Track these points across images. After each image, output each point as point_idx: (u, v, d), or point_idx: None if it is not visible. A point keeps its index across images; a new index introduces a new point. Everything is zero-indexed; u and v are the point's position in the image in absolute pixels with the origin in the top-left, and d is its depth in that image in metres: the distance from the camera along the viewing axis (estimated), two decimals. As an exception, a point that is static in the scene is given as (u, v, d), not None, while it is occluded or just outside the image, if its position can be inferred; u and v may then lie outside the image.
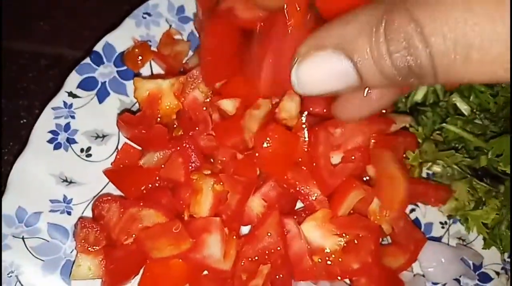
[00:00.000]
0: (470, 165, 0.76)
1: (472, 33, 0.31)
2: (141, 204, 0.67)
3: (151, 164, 0.71)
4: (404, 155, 0.75)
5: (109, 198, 0.70)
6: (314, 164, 0.68)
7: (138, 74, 0.76)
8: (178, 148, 0.69)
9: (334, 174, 0.69)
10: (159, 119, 0.71)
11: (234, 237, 0.67)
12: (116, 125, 0.74)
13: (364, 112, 0.47)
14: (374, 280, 0.68)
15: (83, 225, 0.67)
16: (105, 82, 0.75)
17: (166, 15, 0.79)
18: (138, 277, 0.68)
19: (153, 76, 0.77)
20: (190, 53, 0.80)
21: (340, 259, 0.67)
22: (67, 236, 0.69)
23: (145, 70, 0.77)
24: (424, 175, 0.80)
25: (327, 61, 0.37)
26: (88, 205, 0.71)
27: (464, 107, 0.77)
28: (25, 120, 0.81)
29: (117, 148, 0.74)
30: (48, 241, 0.68)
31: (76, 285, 0.67)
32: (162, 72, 0.78)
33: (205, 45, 0.66)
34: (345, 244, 0.68)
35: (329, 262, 0.67)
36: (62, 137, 0.72)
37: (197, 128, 0.69)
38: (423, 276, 0.74)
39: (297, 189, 0.70)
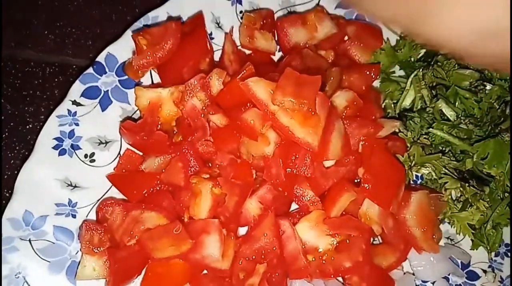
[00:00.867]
0: (457, 168, 0.79)
1: None
2: (143, 206, 0.70)
3: (152, 169, 0.73)
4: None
5: (112, 201, 0.72)
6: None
7: (138, 83, 0.79)
8: (178, 153, 0.71)
9: (326, 175, 0.72)
10: (159, 126, 0.74)
11: (232, 238, 0.70)
12: (119, 132, 0.76)
13: None
14: (365, 278, 0.71)
15: (87, 227, 0.70)
16: (107, 91, 0.77)
17: (166, 27, 0.82)
18: (140, 277, 0.70)
19: (153, 85, 0.79)
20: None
21: (333, 258, 0.70)
22: (72, 238, 0.71)
23: (145, 79, 0.80)
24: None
25: None
26: (92, 208, 0.73)
27: (449, 113, 0.80)
28: (31, 126, 0.83)
29: (119, 153, 0.76)
30: (54, 243, 0.70)
31: (81, 285, 0.70)
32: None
33: None
34: (337, 244, 0.70)
35: (322, 261, 0.70)
36: (66, 143, 0.74)
37: (195, 134, 0.72)
38: (413, 274, 0.77)
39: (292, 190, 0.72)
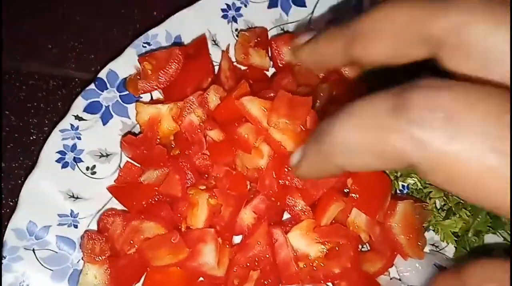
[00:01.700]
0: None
1: None
2: (143, 217, 0.73)
3: (151, 181, 0.76)
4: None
5: (113, 212, 0.75)
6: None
7: (139, 99, 0.82)
8: (176, 166, 0.75)
9: (316, 186, 0.75)
10: (158, 140, 0.77)
11: (227, 246, 0.73)
12: (120, 146, 0.79)
13: None
14: (353, 284, 0.74)
15: (89, 237, 0.73)
16: (108, 106, 0.81)
17: (164, 44, 0.85)
18: (140, 284, 0.73)
19: (153, 101, 0.82)
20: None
21: (322, 265, 0.73)
22: (74, 247, 0.74)
23: (145, 95, 0.83)
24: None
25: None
26: (93, 218, 0.76)
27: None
28: (34, 137, 0.86)
29: (119, 165, 0.79)
30: (56, 252, 0.73)
31: (83, 292, 0.72)
32: (161, 97, 0.84)
33: None
34: (327, 251, 0.74)
35: (313, 268, 0.73)
36: (69, 157, 0.77)
37: (193, 148, 0.75)
38: (399, 279, 0.80)
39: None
